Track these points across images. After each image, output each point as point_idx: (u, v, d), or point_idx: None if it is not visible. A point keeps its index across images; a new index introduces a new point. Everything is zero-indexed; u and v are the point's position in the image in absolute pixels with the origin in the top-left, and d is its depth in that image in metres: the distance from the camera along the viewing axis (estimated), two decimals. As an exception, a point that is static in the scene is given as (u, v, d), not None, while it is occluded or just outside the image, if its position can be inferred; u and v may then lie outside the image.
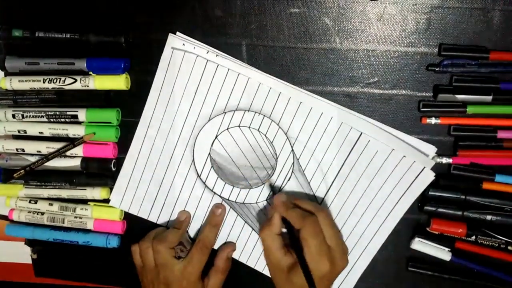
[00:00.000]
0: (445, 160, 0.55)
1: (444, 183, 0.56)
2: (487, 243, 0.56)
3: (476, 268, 0.58)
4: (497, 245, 0.56)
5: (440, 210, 0.56)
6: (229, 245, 0.61)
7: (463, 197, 0.56)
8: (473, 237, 0.56)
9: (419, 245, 0.58)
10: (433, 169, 0.56)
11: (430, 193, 0.56)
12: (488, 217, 0.55)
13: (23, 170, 0.61)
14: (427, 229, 0.58)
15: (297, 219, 0.51)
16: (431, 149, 0.56)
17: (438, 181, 0.56)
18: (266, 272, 0.63)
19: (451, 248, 0.58)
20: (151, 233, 0.60)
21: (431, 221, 0.57)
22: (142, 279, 0.60)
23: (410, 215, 0.58)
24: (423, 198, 0.57)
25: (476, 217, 0.56)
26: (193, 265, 0.57)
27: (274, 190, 0.57)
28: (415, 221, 0.59)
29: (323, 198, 0.59)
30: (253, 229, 0.62)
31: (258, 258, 0.63)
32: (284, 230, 0.53)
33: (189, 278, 0.57)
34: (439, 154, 0.56)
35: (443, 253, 0.58)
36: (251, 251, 0.63)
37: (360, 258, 0.60)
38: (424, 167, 0.55)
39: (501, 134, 0.54)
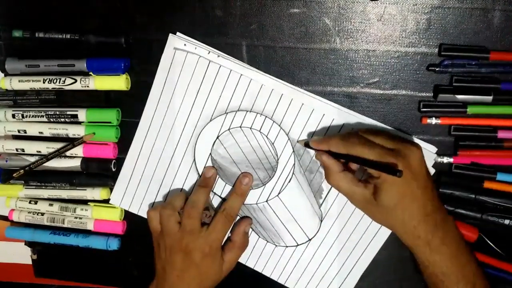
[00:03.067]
0: (446, 159, 0.55)
1: (445, 181, 0.56)
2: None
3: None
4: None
5: (458, 210, 0.56)
6: (246, 220, 0.60)
7: (473, 196, 0.56)
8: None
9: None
10: (434, 168, 0.55)
11: (440, 190, 0.56)
12: (506, 221, 0.55)
13: (22, 170, 0.61)
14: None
15: (339, 142, 0.50)
16: (431, 149, 0.55)
17: (440, 180, 0.56)
18: (266, 273, 0.63)
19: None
20: (174, 200, 0.57)
21: None
22: (158, 245, 0.57)
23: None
24: (442, 198, 0.56)
25: (494, 220, 0.55)
26: (217, 232, 0.56)
27: (306, 144, 0.55)
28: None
29: (324, 199, 0.59)
30: (253, 230, 0.62)
31: (257, 258, 0.63)
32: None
33: (212, 244, 0.55)
34: (440, 154, 0.56)
35: None
36: (251, 252, 0.63)
37: (361, 258, 0.60)
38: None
39: (501, 134, 0.54)
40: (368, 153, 0.48)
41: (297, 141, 0.57)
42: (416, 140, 0.56)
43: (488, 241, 0.56)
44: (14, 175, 0.61)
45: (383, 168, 0.47)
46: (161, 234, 0.57)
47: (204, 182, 0.58)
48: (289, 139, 0.56)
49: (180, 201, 0.57)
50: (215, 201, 0.60)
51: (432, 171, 0.56)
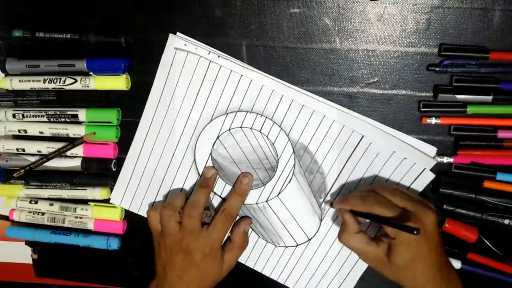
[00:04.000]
0: (446, 159, 0.55)
1: (445, 181, 0.56)
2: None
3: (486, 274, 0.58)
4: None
5: (458, 210, 0.56)
6: (245, 219, 0.60)
7: (473, 195, 0.56)
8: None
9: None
10: (434, 169, 0.55)
11: (441, 190, 0.56)
12: (506, 221, 0.55)
13: (22, 170, 0.61)
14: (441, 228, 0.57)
15: (359, 201, 0.52)
16: (431, 150, 0.55)
17: (440, 180, 0.56)
18: (265, 272, 0.63)
19: (463, 257, 0.58)
20: (174, 200, 0.57)
21: (445, 220, 0.57)
22: (158, 245, 0.58)
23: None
24: (442, 198, 0.56)
25: (494, 220, 0.55)
26: (217, 232, 0.56)
27: (332, 205, 0.58)
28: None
29: (324, 199, 0.59)
30: (253, 230, 0.62)
31: (257, 258, 0.63)
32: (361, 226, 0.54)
33: (212, 244, 0.56)
34: (440, 154, 0.56)
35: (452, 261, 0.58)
36: (251, 251, 0.63)
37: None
38: (424, 168, 0.55)
39: (501, 134, 0.54)
40: (387, 213, 0.50)
41: (324, 202, 0.59)
42: (416, 141, 0.56)
43: (487, 243, 0.56)
44: (14, 175, 0.61)
45: (401, 226, 0.48)
46: (162, 234, 0.57)
47: (205, 182, 0.58)
48: (289, 139, 0.56)
49: (181, 201, 0.57)
50: (215, 201, 0.60)
51: (431, 175, 0.56)
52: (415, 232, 0.46)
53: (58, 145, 0.61)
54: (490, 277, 0.58)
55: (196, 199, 0.56)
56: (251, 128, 0.57)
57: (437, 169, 0.56)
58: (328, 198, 0.59)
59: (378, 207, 0.50)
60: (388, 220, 0.49)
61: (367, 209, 0.51)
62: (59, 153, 0.60)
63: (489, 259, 0.58)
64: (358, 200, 0.52)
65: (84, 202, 0.64)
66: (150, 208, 0.59)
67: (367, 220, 0.55)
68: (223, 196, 0.59)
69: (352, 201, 0.53)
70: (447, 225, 0.56)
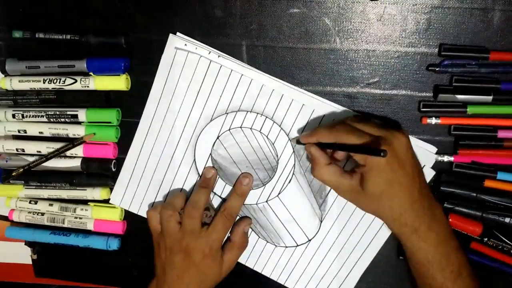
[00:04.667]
0: (446, 158, 0.55)
1: (446, 180, 0.56)
2: (499, 246, 0.56)
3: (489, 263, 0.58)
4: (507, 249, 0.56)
5: (459, 209, 0.56)
6: (245, 220, 0.60)
7: (474, 194, 0.55)
8: (485, 239, 0.56)
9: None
10: (434, 168, 0.55)
11: (441, 188, 0.56)
12: (507, 220, 0.55)
13: (21, 169, 0.61)
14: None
15: (325, 132, 0.51)
16: (431, 150, 0.55)
17: (440, 179, 0.56)
18: (265, 273, 0.63)
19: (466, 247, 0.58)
20: (174, 200, 0.58)
21: (448, 216, 0.56)
22: (158, 245, 0.58)
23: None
24: (443, 196, 0.56)
25: (495, 218, 0.55)
26: (217, 232, 0.56)
27: (298, 141, 0.56)
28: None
29: (324, 200, 0.59)
30: (253, 230, 0.62)
31: (257, 258, 0.63)
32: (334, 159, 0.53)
33: (212, 245, 0.56)
34: (440, 153, 0.56)
35: None
36: (251, 251, 0.63)
37: (360, 259, 0.60)
38: (424, 165, 0.55)
39: (501, 134, 0.54)
40: (355, 140, 0.48)
41: (289, 140, 0.57)
42: (416, 141, 0.56)
43: (496, 232, 0.56)
44: (13, 173, 0.61)
45: (367, 151, 0.46)
46: (161, 234, 0.57)
47: (205, 183, 0.58)
48: (289, 139, 0.56)
49: (181, 201, 0.57)
50: (215, 201, 0.60)
51: (432, 172, 0.56)
52: (382, 154, 0.44)
53: (58, 146, 0.61)
54: (491, 266, 0.58)
55: (196, 200, 0.56)
56: (251, 128, 0.57)
57: (438, 168, 0.56)
58: (328, 198, 0.59)
59: (345, 135, 0.49)
60: (354, 147, 0.48)
61: (333, 139, 0.50)
62: (58, 153, 0.60)
63: (491, 250, 0.57)
64: (325, 131, 0.51)
65: (84, 202, 0.64)
66: (150, 208, 0.59)
67: (343, 159, 0.54)
68: (223, 196, 0.59)
69: (318, 132, 0.52)
70: (450, 220, 0.56)
